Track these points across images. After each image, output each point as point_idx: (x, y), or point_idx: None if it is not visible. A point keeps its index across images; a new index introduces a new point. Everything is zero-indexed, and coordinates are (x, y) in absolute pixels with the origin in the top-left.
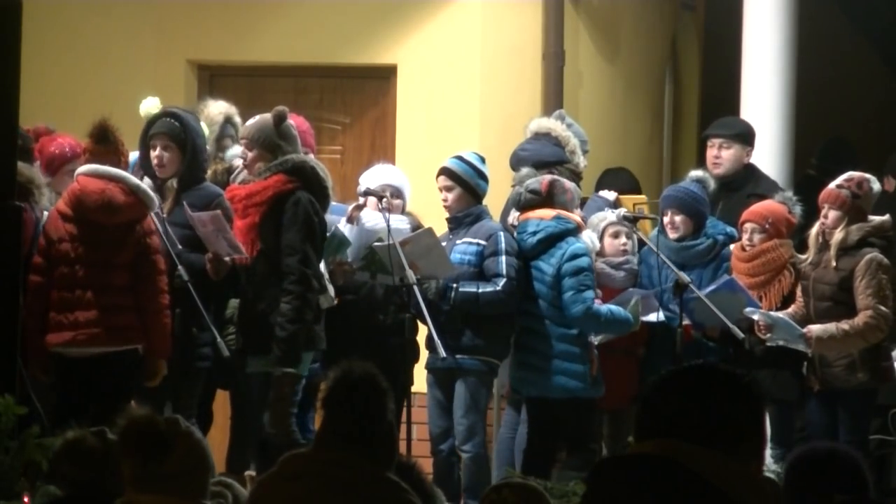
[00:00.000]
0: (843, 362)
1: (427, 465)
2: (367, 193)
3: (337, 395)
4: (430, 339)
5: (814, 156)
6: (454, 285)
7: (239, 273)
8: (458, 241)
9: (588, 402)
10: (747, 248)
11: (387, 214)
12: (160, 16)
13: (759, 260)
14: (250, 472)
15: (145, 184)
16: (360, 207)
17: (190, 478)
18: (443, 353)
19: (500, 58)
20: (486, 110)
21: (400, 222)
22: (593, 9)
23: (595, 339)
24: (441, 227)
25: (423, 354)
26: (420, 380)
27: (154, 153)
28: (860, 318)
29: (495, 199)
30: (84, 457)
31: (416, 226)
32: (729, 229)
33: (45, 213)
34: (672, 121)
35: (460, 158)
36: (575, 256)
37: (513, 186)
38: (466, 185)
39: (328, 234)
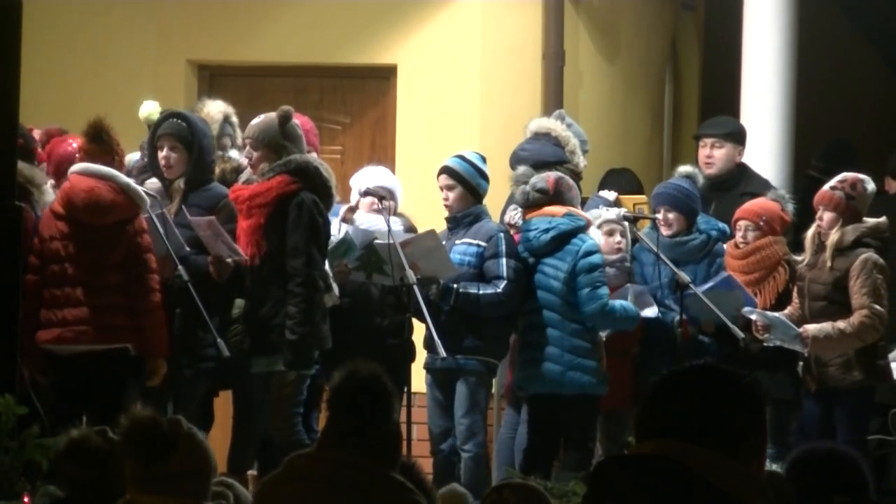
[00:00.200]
0: (838, 361)
1: (427, 465)
2: (367, 193)
3: (343, 397)
4: (429, 339)
5: (814, 156)
6: (455, 286)
7: (244, 274)
8: (457, 242)
9: (594, 399)
10: (741, 246)
11: (387, 215)
12: (160, 16)
13: (753, 257)
14: (252, 472)
15: (154, 184)
16: (353, 209)
17: (192, 478)
18: (443, 353)
19: (500, 58)
20: (486, 110)
21: (393, 224)
22: (593, 9)
23: (602, 335)
24: (439, 228)
25: (421, 354)
26: (420, 380)
27: (161, 154)
28: (856, 318)
29: (495, 200)
30: (88, 456)
31: (409, 227)
32: (721, 225)
33: None
34: (672, 121)
35: (462, 158)
36: (589, 253)
37: (514, 184)
38: (468, 184)
39: (339, 239)
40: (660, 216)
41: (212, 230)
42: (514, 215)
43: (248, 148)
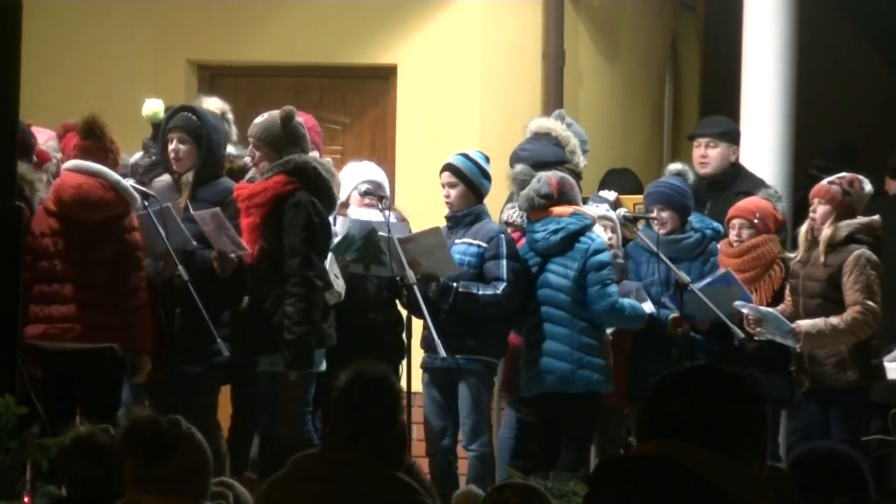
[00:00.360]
0: (832, 360)
1: (425, 465)
2: (367, 193)
3: (350, 397)
4: (429, 339)
5: (814, 156)
6: (454, 285)
7: (247, 270)
8: (457, 241)
9: (599, 398)
10: (735, 245)
11: (387, 213)
12: (160, 16)
13: (749, 255)
14: (249, 474)
15: (164, 180)
16: (345, 204)
17: (191, 479)
18: (443, 353)
19: (500, 58)
20: (486, 110)
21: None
22: (593, 9)
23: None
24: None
25: (418, 354)
26: (418, 380)
27: (171, 147)
28: (849, 314)
29: (495, 200)
30: (93, 453)
31: (401, 218)
32: (715, 224)
33: None
34: (672, 121)
35: (465, 156)
36: (598, 252)
37: (512, 182)
38: (470, 183)
39: (342, 235)
40: (653, 214)
41: (216, 223)
42: (513, 213)
43: (250, 147)
